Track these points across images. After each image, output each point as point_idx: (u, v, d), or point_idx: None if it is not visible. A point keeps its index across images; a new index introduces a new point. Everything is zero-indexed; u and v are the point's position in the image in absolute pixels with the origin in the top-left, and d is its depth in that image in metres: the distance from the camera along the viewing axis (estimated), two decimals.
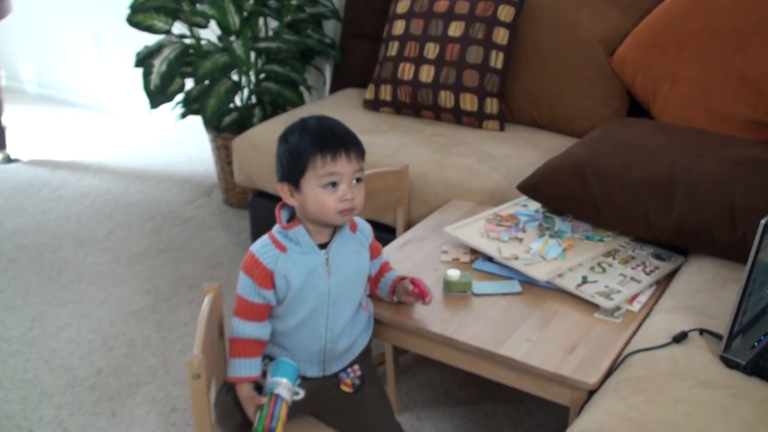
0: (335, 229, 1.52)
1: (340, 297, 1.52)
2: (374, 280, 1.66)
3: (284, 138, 1.48)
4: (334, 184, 1.44)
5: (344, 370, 1.59)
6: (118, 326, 2.53)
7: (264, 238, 1.50)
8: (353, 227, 1.57)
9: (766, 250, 1.33)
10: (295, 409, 1.52)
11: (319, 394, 1.57)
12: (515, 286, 1.72)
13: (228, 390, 1.55)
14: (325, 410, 1.59)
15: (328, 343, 1.53)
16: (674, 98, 2.41)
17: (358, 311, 1.58)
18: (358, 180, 1.47)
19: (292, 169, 1.45)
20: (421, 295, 1.58)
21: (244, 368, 1.50)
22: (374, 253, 1.62)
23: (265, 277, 1.47)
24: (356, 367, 1.59)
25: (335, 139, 1.45)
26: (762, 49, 2.27)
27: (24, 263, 2.92)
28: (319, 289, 1.49)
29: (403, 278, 1.64)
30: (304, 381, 1.55)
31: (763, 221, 1.28)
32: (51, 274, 2.84)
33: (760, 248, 1.30)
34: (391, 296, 1.65)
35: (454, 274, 1.68)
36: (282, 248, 1.48)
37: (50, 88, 4.87)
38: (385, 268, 1.67)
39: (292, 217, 1.53)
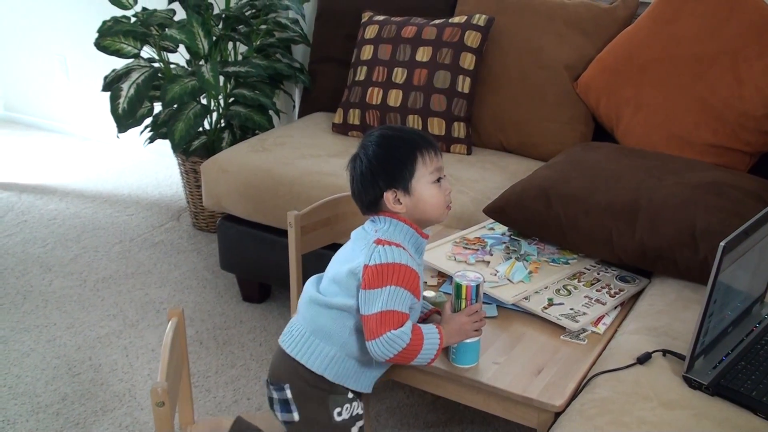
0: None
1: None
2: None
3: (368, 148, 1.44)
4: (439, 180, 1.44)
5: None
6: (84, 351, 2.50)
7: (388, 247, 1.39)
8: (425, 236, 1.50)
9: (726, 272, 1.36)
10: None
11: None
12: (492, 311, 1.72)
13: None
14: None
15: None
16: (637, 122, 2.46)
17: None
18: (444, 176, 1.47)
19: (401, 172, 1.42)
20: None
21: (431, 339, 1.40)
22: None
23: (418, 285, 1.41)
24: None
25: (428, 137, 1.46)
26: (721, 76, 2.32)
27: None
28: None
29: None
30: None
31: (722, 243, 1.30)
32: (15, 300, 2.80)
33: (720, 270, 1.33)
34: None
35: (429, 294, 1.69)
36: (408, 252, 1.41)
37: (16, 111, 4.82)
38: None
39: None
